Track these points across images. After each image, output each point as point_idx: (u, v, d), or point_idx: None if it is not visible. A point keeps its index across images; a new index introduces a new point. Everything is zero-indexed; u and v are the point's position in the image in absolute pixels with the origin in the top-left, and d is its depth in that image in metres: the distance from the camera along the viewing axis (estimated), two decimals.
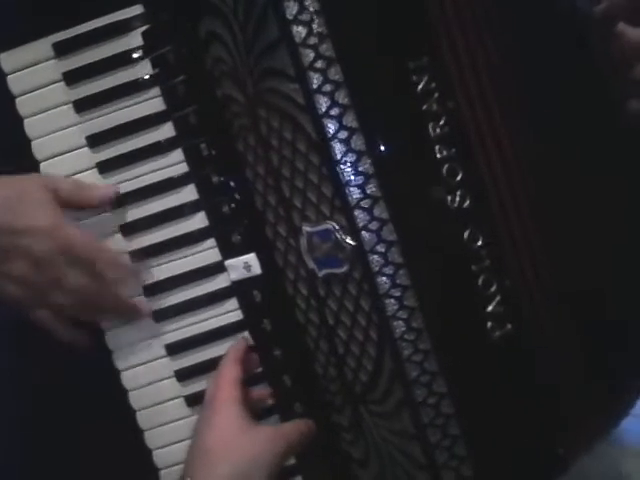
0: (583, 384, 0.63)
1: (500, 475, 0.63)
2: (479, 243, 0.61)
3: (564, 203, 0.62)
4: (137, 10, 0.68)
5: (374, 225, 0.60)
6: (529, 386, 0.62)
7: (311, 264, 0.64)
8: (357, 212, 0.61)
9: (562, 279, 0.62)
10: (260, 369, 0.70)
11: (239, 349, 0.67)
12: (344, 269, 0.62)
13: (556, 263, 0.62)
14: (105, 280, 0.67)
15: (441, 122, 0.60)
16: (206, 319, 0.71)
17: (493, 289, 0.61)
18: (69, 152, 0.71)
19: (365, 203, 0.60)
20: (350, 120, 0.60)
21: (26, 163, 0.71)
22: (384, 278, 0.61)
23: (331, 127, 0.60)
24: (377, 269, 0.61)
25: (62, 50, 0.69)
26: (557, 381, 0.62)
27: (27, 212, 0.65)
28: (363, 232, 0.61)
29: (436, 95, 0.59)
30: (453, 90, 0.59)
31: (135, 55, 0.69)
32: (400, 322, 0.61)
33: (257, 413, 0.66)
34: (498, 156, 0.60)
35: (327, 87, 0.59)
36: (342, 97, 0.59)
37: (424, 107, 0.60)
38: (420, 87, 0.60)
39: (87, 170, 0.71)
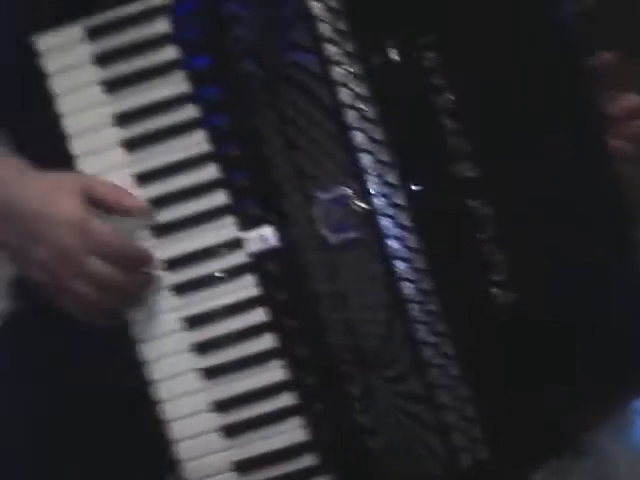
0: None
1: (509, 437, 0.63)
2: (484, 212, 0.63)
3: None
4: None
5: (385, 190, 0.63)
6: (537, 350, 0.63)
7: (325, 232, 0.66)
8: (369, 177, 0.63)
9: None
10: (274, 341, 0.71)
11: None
12: (356, 234, 0.64)
13: None
14: (128, 271, 0.69)
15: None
16: (224, 294, 0.73)
17: (498, 257, 0.63)
18: (98, 129, 0.74)
19: (377, 169, 0.63)
20: (364, 89, 0.63)
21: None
22: (394, 241, 0.63)
23: (345, 96, 0.63)
24: (387, 232, 0.63)
25: (94, 34, 0.73)
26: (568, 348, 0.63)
27: (60, 204, 0.69)
28: (374, 197, 0.63)
29: None
30: None
31: (161, 39, 0.72)
32: (409, 284, 0.63)
33: None
34: None
35: (342, 58, 0.62)
36: (357, 68, 0.63)
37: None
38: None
39: (115, 147, 0.74)
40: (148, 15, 0.73)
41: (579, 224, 0.65)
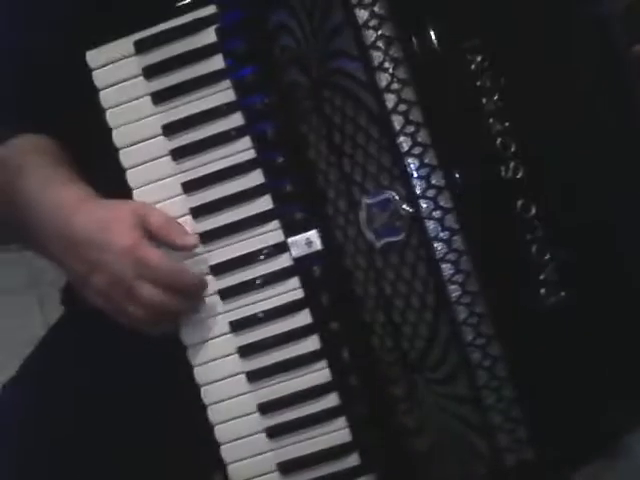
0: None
1: (555, 438, 0.64)
2: (532, 213, 0.64)
3: None
4: (211, 10, 0.74)
5: (431, 192, 0.64)
6: (582, 352, 0.63)
7: (370, 235, 0.68)
8: (415, 181, 0.64)
9: None
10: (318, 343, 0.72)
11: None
12: (402, 237, 0.65)
13: None
14: (178, 296, 0.72)
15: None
16: (269, 297, 0.74)
17: (547, 257, 0.64)
18: (147, 140, 0.76)
19: (423, 172, 0.64)
20: (409, 94, 0.64)
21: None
22: (440, 243, 0.64)
23: (391, 101, 0.64)
24: (434, 235, 0.64)
25: (143, 47, 0.76)
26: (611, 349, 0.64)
27: (114, 232, 0.72)
28: (420, 200, 0.64)
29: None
30: None
31: (208, 50, 0.74)
32: (456, 286, 0.64)
33: None
34: None
35: (387, 64, 0.63)
36: (402, 73, 0.64)
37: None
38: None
39: (164, 157, 0.76)
40: (195, 26, 0.75)
41: (629, 224, 0.66)
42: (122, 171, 0.76)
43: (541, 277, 0.64)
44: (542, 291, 0.64)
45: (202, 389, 0.74)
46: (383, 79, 0.65)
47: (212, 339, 0.76)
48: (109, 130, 0.76)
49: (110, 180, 0.76)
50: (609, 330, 0.64)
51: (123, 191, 0.75)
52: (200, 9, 0.75)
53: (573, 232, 0.65)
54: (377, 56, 0.65)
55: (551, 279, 0.64)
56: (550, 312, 0.64)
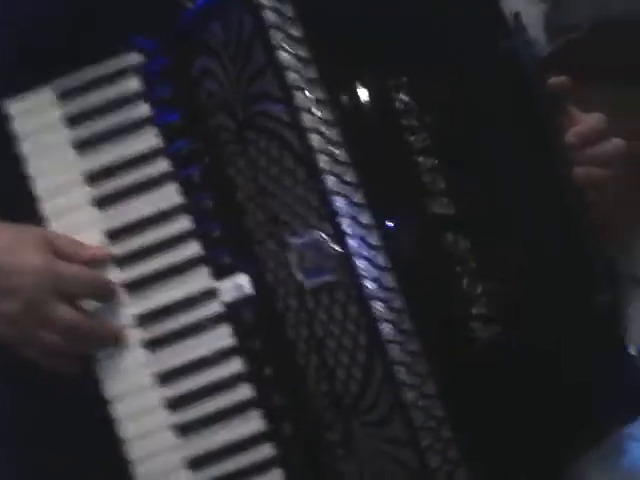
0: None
1: (496, 477, 0.62)
2: (463, 246, 0.64)
3: None
4: (134, 57, 0.74)
5: (359, 231, 0.64)
6: (520, 386, 0.63)
7: (300, 277, 0.66)
8: (342, 220, 0.64)
9: None
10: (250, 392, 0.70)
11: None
12: (332, 277, 0.65)
13: None
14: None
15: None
16: (199, 345, 0.72)
17: (478, 291, 0.64)
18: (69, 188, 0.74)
19: (350, 211, 0.64)
20: (334, 134, 0.64)
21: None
22: (371, 282, 0.63)
23: (316, 141, 0.64)
24: (364, 274, 0.63)
25: (64, 94, 0.74)
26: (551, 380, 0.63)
27: (22, 254, 0.69)
28: (349, 239, 0.64)
29: None
30: None
31: (133, 97, 0.74)
32: (388, 324, 0.63)
33: None
34: None
35: (311, 105, 0.64)
36: (327, 114, 0.64)
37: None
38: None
39: (86, 206, 0.74)
40: (119, 74, 0.75)
41: (553, 256, 0.67)
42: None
43: (473, 311, 0.64)
44: (475, 326, 0.63)
45: (127, 443, 0.71)
46: (307, 120, 0.65)
47: (137, 391, 0.72)
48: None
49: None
50: (545, 363, 0.64)
51: None
52: (123, 56, 0.75)
53: (504, 264, 0.65)
54: (300, 97, 0.65)
55: (483, 313, 0.64)
56: (484, 347, 0.63)
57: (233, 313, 0.71)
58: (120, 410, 0.71)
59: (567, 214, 0.67)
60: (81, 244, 0.72)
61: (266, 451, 0.70)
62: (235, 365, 0.72)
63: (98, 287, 0.71)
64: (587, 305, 0.66)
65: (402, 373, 0.64)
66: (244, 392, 0.71)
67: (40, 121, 0.76)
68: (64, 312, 0.68)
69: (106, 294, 0.71)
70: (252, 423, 0.70)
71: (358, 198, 0.64)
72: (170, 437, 0.71)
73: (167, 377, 0.72)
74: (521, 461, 0.63)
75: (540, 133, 0.67)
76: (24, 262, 0.68)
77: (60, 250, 0.70)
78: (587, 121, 0.70)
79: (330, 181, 0.65)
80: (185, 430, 0.71)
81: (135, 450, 0.71)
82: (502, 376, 0.63)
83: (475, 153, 0.66)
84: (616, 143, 0.70)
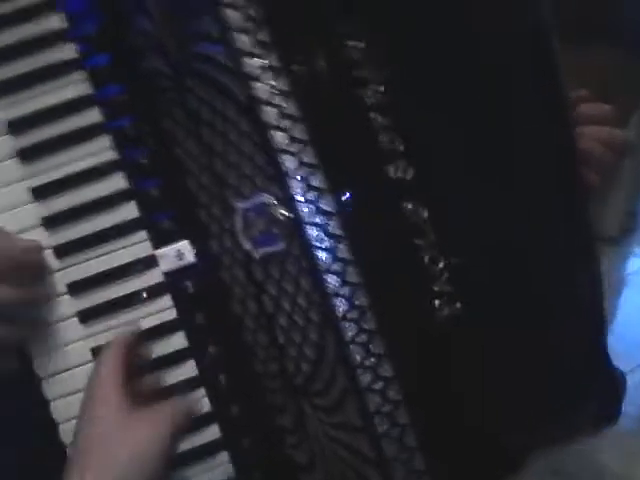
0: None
1: (453, 468, 0.57)
2: (423, 216, 0.57)
3: None
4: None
5: (311, 195, 0.57)
6: (479, 369, 0.58)
7: (247, 245, 0.60)
8: (293, 182, 0.57)
9: None
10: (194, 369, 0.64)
11: (122, 339, 0.62)
12: (281, 246, 0.58)
13: None
14: (26, 284, 0.62)
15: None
16: (138, 318, 0.66)
17: (440, 265, 0.58)
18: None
19: (301, 172, 0.57)
20: (282, 84, 0.57)
21: None
22: (324, 253, 0.57)
23: (261, 90, 0.57)
24: (316, 243, 0.57)
25: None
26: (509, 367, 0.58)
27: None
28: (299, 204, 0.57)
29: None
30: None
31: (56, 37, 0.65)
32: (342, 300, 0.57)
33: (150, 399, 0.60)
34: None
35: (255, 49, 0.56)
36: (272, 59, 0.57)
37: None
38: None
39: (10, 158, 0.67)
40: (39, 10, 0.66)
41: (530, 228, 0.61)
42: None
43: (434, 288, 0.58)
44: (436, 303, 0.58)
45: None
46: (251, 66, 0.57)
47: (71, 369, 0.67)
48: None
49: None
50: (507, 343, 0.59)
51: None
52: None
53: (467, 237, 0.58)
54: (242, 40, 0.57)
55: (445, 290, 0.58)
56: (444, 325, 0.57)
57: (173, 284, 0.65)
58: (52, 390, 0.66)
59: (559, 186, 0.60)
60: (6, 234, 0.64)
61: (212, 434, 0.65)
62: (177, 341, 0.66)
63: (25, 259, 0.64)
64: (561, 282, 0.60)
65: (356, 353, 0.58)
66: (187, 370, 0.65)
67: None
68: None
69: (33, 268, 0.64)
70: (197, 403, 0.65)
71: (309, 158, 0.57)
72: None
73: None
74: (480, 448, 0.58)
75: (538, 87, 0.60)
76: None
77: None
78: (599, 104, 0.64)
79: (278, 137, 0.57)
80: None
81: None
82: (462, 356, 0.58)
83: (440, 117, 0.59)
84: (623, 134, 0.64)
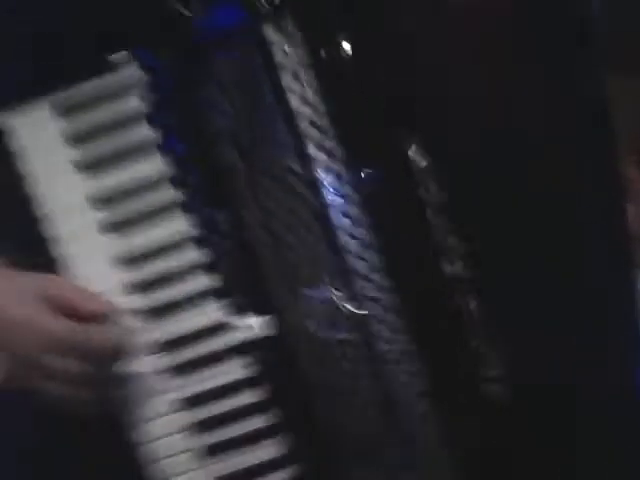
0: None
1: None
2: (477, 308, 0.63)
3: None
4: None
5: (375, 293, 0.62)
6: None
7: (312, 326, 0.66)
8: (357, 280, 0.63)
9: None
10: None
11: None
12: (345, 335, 0.64)
13: None
14: (97, 359, 0.68)
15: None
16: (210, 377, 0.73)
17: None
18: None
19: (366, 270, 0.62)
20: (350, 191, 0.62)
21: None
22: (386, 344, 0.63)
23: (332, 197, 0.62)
24: (379, 335, 0.63)
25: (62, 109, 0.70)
26: None
27: (10, 307, 0.66)
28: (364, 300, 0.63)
29: None
30: None
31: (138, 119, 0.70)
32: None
33: None
34: None
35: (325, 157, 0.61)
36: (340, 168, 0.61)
37: None
38: None
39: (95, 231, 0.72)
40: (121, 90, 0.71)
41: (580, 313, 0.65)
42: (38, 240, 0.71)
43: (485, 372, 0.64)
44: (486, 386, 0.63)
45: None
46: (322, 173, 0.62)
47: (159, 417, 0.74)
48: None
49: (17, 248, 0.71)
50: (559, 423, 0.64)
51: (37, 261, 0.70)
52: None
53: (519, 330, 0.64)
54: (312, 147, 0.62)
55: (496, 374, 0.63)
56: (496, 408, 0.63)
57: (242, 352, 0.71)
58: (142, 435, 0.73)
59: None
60: (79, 292, 0.69)
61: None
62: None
63: (86, 346, 0.67)
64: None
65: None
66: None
67: (40, 135, 0.73)
68: (57, 363, 0.65)
69: (105, 348, 0.69)
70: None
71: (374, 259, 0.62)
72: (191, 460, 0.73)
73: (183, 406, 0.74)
74: None
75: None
76: (10, 316, 0.65)
77: (52, 297, 0.67)
78: None
79: (345, 239, 0.63)
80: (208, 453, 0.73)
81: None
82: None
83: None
84: None
